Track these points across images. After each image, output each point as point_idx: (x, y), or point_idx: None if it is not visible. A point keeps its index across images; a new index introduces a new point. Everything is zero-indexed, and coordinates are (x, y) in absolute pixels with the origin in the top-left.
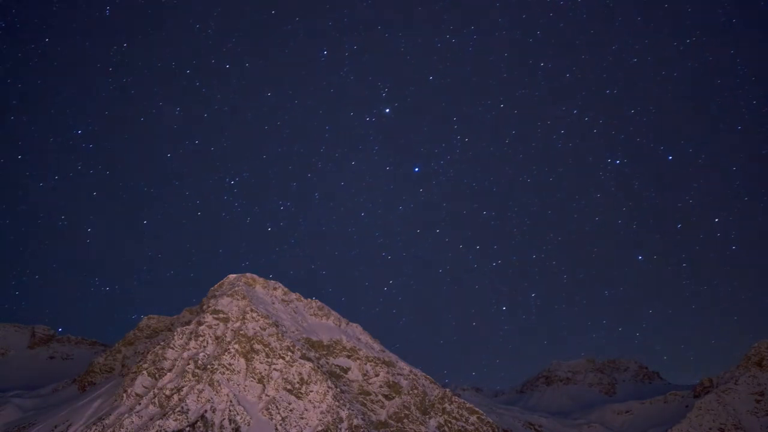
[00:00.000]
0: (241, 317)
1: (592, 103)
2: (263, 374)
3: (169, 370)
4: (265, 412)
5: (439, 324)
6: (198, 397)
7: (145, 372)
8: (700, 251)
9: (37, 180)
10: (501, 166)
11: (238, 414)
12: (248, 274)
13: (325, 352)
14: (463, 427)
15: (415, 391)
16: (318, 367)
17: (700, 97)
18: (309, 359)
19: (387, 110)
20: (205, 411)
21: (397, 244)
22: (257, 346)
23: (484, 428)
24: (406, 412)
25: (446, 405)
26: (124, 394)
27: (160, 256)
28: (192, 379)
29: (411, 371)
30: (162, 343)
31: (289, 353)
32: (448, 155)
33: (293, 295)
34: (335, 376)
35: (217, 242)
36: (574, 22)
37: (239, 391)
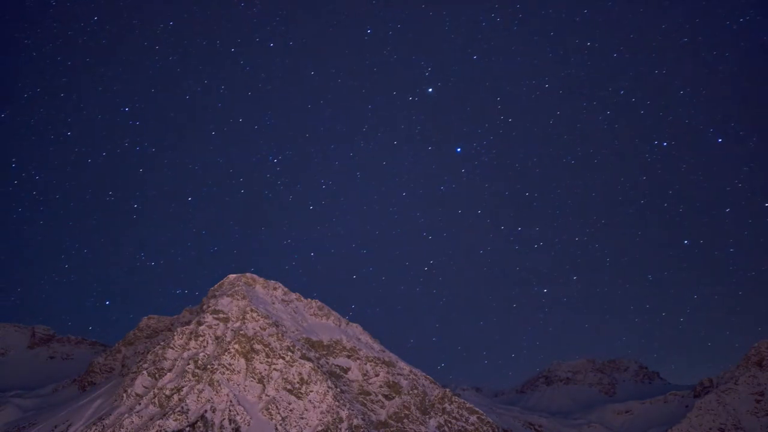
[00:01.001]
0: (241, 317)
1: (639, 84)
2: (263, 374)
3: (169, 370)
4: (265, 412)
5: (479, 305)
6: (198, 397)
7: (145, 372)
8: (749, 236)
9: (85, 156)
10: (545, 147)
11: (238, 414)
12: (248, 274)
13: (325, 352)
14: (463, 427)
15: (415, 391)
16: (318, 367)
17: (752, 78)
18: (309, 359)
19: (430, 90)
20: (205, 411)
21: (438, 225)
22: (257, 346)
23: (484, 428)
24: (406, 412)
25: (446, 405)
26: (124, 394)
27: (204, 232)
28: (192, 379)
29: (411, 371)
30: (162, 343)
31: (289, 353)
32: (491, 135)
33: (293, 295)
34: (335, 376)
35: (260, 220)
36: (622, 1)
37: (239, 391)
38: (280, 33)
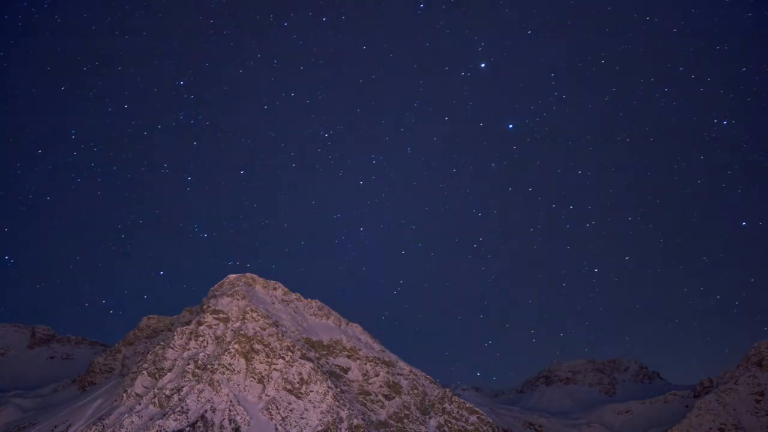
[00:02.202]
0: (241, 317)
1: (700, 60)
2: (263, 374)
3: (169, 370)
4: (265, 412)
5: (528, 284)
6: (198, 397)
7: (145, 372)
8: None
9: (141, 129)
10: (599, 124)
11: (238, 414)
12: (248, 274)
13: (325, 352)
14: (463, 427)
15: (415, 391)
16: (318, 367)
17: None
18: (309, 359)
19: (483, 65)
20: (205, 411)
21: (487, 202)
22: (257, 346)
23: (484, 428)
24: (406, 412)
25: (446, 405)
26: (124, 394)
27: (255, 205)
28: (192, 379)
29: (411, 371)
30: (162, 343)
31: (289, 353)
32: (544, 112)
33: (293, 295)
34: (335, 376)
35: (310, 194)
36: None
37: (239, 391)
38: (333, 7)
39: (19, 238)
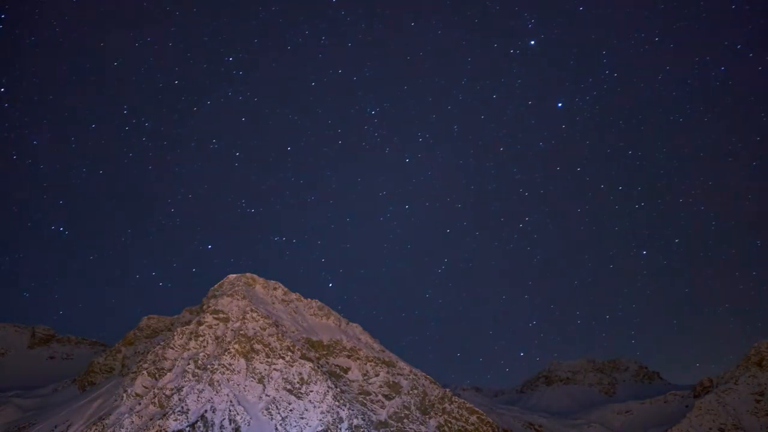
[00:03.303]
0: (241, 317)
1: (758, 37)
2: (263, 374)
3: (169, 370)
4: (265, 412)
5: (575, 265)
6: (198, 397)
7: (145, 372)
8: None
9: (191, 105)
10: (652, 104)
11: (238, 414)
12: (248, 274)
13: (325, 352)
14: (463, 427)
15: (415, 391)
16: (318, 367)
17: None
18: (309, 359)
19: (532, 42)
20: (205, 411)
21: (535, 181)
22: (257, 346)
23: (484, 428)
24: (406, 412)
25: (446, 405)
26: (124, 394)
27: (301, 182)
28: (192, 379)
29: (411, 371)
30: (162, 343)
31: (289, 353)
32: (595, 91)
33: (293, 295)
34: (335, 376)
35: (356, 171)
36: None
37: (239, 391)
38: None
39: (72, 210)
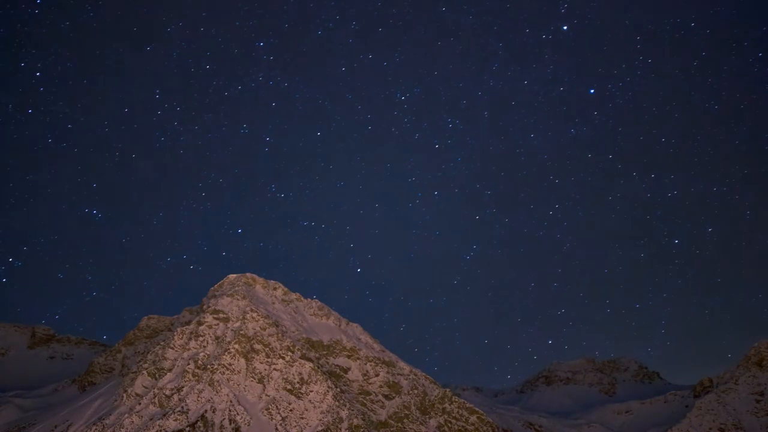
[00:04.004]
0: (241, 317)
1: None
2: (263, 374)
3: (169, 370)
4: (265, 412)
5: (605, 253)
6: (198, 397)
7: (145, 372)
8: None
9: (222, 89)
10: (686, 91)
11: (238, 414)
12: (248, 274)
13: (325, 352)
14: (463, 427)
15: (415, 391)
16: (318, 367)
17: None
18: (309, 359)
19: (565, 27)
20: (205, 411)
21: (565, 168)
22: (257, 346)
23: (484, 428)
24: (406, 412)
25: (446, 405)
26: (124, 394)
27: (331, 167)
28: (192, 379)
29: (411, 371)
30: (162, 343)
31: (289, 353)
32: (628, 77)
33: (293, 295)
34: (335, 376)
35: (385, 156)
36: None
37: (239, 391)
38: None
39: (106, 194)
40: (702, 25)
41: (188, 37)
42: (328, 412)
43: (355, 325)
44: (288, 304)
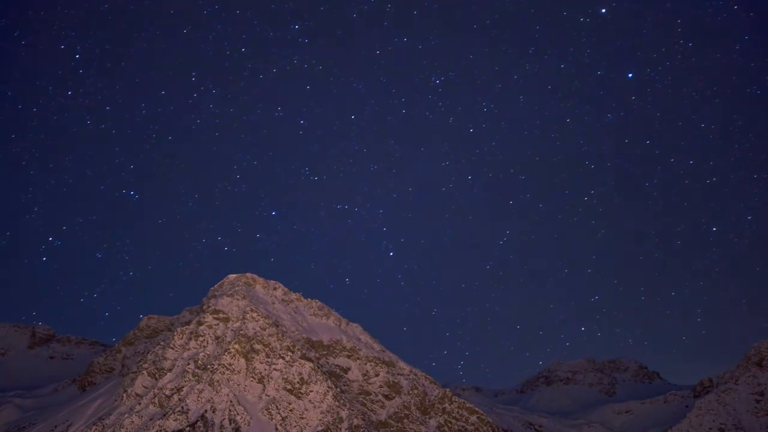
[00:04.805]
0: (241, 317)
1: None
2: (263, 374)
3: (169, 370)
4: (265, 412)
5: (640, 240)
6: (198, 397)
7: (145, 372)
8: None
9: (257, 72)
10: (727, 76)
11: (238, 414)
12: (248, 274)
13: (325, 352)
14: (463, 427)
15: (415, 391)
16: (318, 367)
17: None
18: (309, 359)
19: (603, 10)
20: (205, 411)
21: (601, 153)
22: (257, 346)
23: (484, 428)
24: (406, 412)
25: (446, 405)
26: (124, 394)
27: (365, 151)
28: (192, 379)
29: (411, 371)
30: (162, 343)
31: (289, 353)
32: (668, 61)
33: (293, 295)
34: (335, 376)
35: (419, 141)
36: None
37: (239, 391)
38: None
39: (143, 174)
40: (745, 8)
41: (224, 20)
42: (328, 412)
43: (355, 325)
44: (288, 304)
